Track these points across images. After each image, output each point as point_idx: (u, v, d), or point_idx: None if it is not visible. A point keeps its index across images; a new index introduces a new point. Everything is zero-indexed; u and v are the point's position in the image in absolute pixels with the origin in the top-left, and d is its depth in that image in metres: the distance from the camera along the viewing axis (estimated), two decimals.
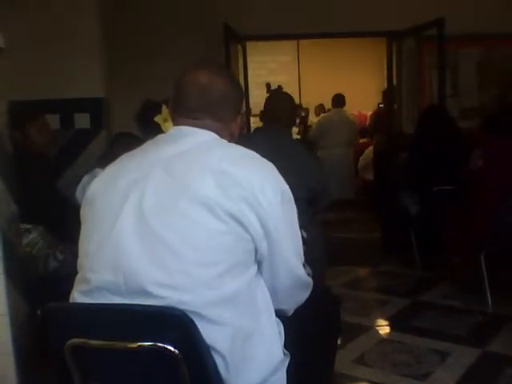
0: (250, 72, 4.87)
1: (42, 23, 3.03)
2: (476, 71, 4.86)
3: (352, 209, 5.74)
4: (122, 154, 1.31)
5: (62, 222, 2.35)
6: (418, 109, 4.70)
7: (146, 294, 1.07)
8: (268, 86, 7.53)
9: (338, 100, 5.90)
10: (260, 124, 2.64)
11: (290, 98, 2.42)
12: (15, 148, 2.00)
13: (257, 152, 1.23)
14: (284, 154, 1.93)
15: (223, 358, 1.08)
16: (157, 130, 2.10)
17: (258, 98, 5.52)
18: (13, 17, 2.70)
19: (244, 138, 2.04)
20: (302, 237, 1.28)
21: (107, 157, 2.34)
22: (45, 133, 2.56)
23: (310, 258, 1.33)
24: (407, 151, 3.80)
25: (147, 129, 2.39)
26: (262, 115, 2.47)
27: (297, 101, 9.14)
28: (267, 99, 2.41)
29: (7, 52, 1.76)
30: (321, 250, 2.11)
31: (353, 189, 5.85)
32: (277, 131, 2.26)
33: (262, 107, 2.42)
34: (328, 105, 6.92)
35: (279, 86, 7.16)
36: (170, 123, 1.80)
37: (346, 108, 6.08)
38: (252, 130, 4.70)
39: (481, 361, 2.37)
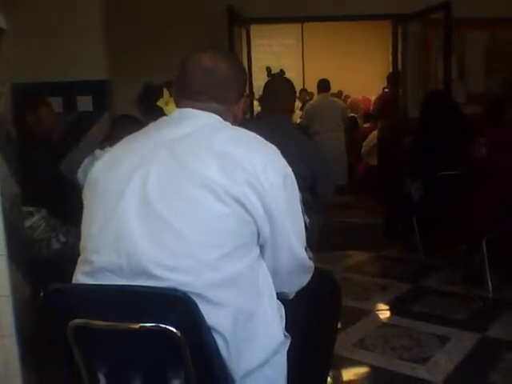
0: (253, 55, 4.82)
1: (44, 6, 3.01)
2: (483, 56, 4.81)
3: (351, 194, 5.72)
4: (124, 136, 1.30)
5: (66, 205, 2.35)
6: (423, 93, 4.66)
7: (149, 275, 1.08)
8: (268, 70, 7.43)
9: (324, 85, 5.84)
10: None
11: (289, 84, 2.38)
12: (19, 130, 2.00)
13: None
14: (283, 139, 1.91)
15: (224, 339, 1.08)
16: (158, 112, 2.09)
17: (261, 82, 5.47)
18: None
19: (245, 123, 2.03)
20: (304, 222, 1.28)
21: (109, 139, 2.34)
22: (54, 116, 2.57)
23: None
24: (411, 136, 3.78)
25: (148, 112, 2.38)
26: (261, 101, 2.45)
27: (301, 85, 9.12)
28: (266, 85, 2.39)
29: (9, 34, 1.75)
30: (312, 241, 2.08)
31: (344, 174, 5.77)
32: (276, 117, 2.24)
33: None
34: (333, 89, 6.86)
35: (281, 71, 7.10)
36: (171, 106, 1.78)
37: (347, 92, 6.01)
38: (255, 113, 4.67)
39: (480, 345, 2.39)
